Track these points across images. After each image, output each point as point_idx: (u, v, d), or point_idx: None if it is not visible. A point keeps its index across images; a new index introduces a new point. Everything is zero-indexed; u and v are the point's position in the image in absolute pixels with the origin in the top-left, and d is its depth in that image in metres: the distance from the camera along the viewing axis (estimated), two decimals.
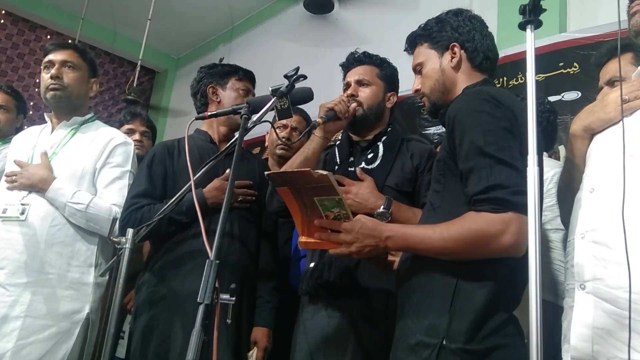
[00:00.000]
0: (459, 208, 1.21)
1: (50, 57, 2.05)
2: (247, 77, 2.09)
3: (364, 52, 1.88)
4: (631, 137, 1.12)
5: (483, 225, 1.13)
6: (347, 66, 1.89)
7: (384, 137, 1.79)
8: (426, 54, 1.49)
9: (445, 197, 1.30)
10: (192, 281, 1.69)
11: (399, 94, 1.92)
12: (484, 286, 1.16)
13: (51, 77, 2.00)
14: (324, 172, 1.23)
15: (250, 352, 1.87)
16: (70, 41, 5.37)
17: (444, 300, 1.18)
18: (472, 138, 1.20)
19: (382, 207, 1.58)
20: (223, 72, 2.07)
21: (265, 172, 1.36)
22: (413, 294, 1.27)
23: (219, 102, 2.02)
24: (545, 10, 1.01)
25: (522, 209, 1.08)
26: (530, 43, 0.97)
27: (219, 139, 2.03)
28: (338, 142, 1.90)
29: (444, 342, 1.14)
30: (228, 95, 2.02)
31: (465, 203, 1.20)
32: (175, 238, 1.83)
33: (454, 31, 1.45)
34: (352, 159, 1.80)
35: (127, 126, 2.74)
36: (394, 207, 1.59)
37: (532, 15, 1.01)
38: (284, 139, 2.37)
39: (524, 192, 1.02)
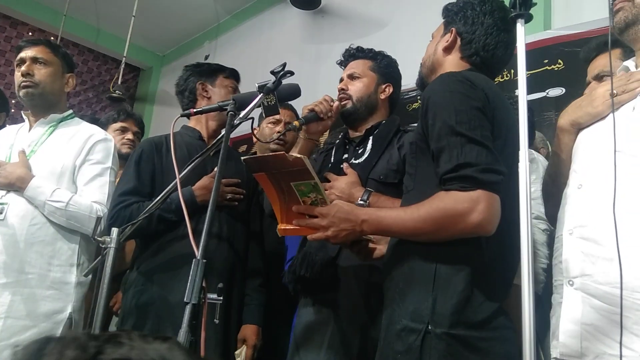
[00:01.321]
0: (432, 189, 1.20)
1: (22, 54, 2.02)
2: (233, 75, 2.11)
3: (357, 47, 1.87)
4: (619, 132, 1.13)
5: (451, 204, 1.13)
6: (343, 63, 1.89)
7: (376, 131, 1.77)
8: (439, 30, 1.52)
9: (418, 179, 1.30)
10: (182, 288, 1.67)
11: None
12: (462, 269, 1.16)
13: (22, 75, 1.97)
14: (299, 155, 1.23)
15: (239, 350, 1.86)
16: (52, 38, 5.29)
17: (425, 284, 1.18)
18: (444, 117, 1.19)
19: (360, 199, 1.58)
20: (211, 70, 2.08)
21: (242, 157, 1.35)
22: (398, 280, 1.27)
23: (209, 99, 2.01)
24: (535, 4, 1.00)
25: (491, 187, 1.08)
26: (520, 37, 0.97)
27: (208, 135, 2.01)
28: (337, 142, 1.90)
29: (429, 327, 1.13)
30: (218, 91, 2.03)
31: (437, 184, 1.20)
32: (164, 238, 1.81)
33: (462, 17, 1.45)
34: (345, 155, 1.80)
35: (120, 124, 2.72)
36: (372, 199, 1.58)
37: (522, 9, 1.01)
38: (279, 134, 2.35)
39: (493, 170, 1.02)
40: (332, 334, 1.55)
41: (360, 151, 1.76)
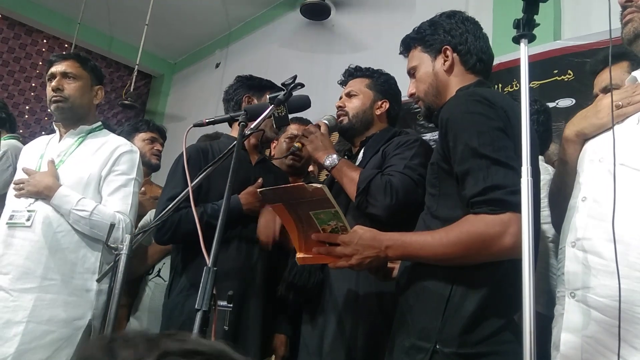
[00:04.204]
0: (456, 211, 1.20)
1: (52, 69, 2.08)
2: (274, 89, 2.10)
3: (356, 67, 1.96)
4: (623, 145, 1.13)
5: (482, 228, 1.12)
6: (343, 82, 1.97)
7: (368, 142, 1.83)
8: (419, 57, 1.50)
9: (442, 200, 1.29)
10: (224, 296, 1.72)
11: None
12: (478, 291, 1.16)
13: (53, 90, 2.04)
14: (318, 185, 1.22)
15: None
16: (66, 46, 5.36)
17: (438, 305, 1.18)
18: (466, 140, 1.19)
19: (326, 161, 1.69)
20: (260, 85, 2.11)
21: (258, 190, 1.38)
22: (410, 298, 1.27)
23: None
24: (538, 24, 1.02)
25: (518, 208, 1.06)
26: (524, 57, 0.99)
27: (249, 145, 2.05)
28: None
29: (437, 347, 1.14)
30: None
31: (462, 206, 1.19)
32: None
33: (446, 34, 1.45)
34: None
35: (150, 134, 2.78)
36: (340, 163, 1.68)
37: (525, 29, 1.02)
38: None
39: (519, 192, 0.99)
40: (323, 338, 1.59)
41: (353, 162, 1.82)
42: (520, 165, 0.99)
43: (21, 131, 2.30)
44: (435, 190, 1.32)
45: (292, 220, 1.33)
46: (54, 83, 2.05)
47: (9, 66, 5.61)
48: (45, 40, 5.80)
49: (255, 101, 2.07)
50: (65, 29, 5.60)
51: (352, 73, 1.94)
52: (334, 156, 1.70)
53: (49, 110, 2.11)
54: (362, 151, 1.82)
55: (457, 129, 1.22)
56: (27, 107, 5.61)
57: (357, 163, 1.78)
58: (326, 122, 1.84)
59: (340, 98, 1.92)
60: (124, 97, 5.06)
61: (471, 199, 1.15)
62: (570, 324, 1.11)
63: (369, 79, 1.91)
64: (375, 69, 1.95)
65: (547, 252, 1.80)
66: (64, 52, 2.25)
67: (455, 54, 1.43)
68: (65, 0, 5.36)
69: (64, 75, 2.07)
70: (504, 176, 1.13)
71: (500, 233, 1.09)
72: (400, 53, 1.74)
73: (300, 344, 1.71)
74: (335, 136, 2.78)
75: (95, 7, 5.31)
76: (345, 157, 1.88)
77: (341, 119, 1.87)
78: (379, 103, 1.88)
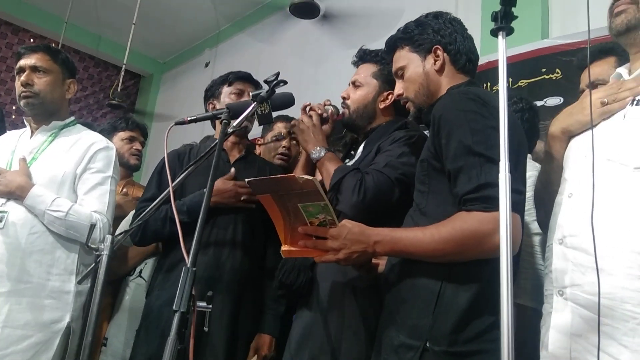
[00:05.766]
0: (447, 208, 1.19)
1: (21, 62, 2.00)
2: (238, 78, 2.08)
3: (367, 50, 1.88)
4: (609, 141, 1.13)
5: (475, 225, 1.12)
6: (355, 63, 1.90)
7: (370, 136, 1.79)
8: (408, 57, 1.48)
9: (431, 198, 1.28)
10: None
11: None
12: (469, 288, 1.15)
13: (22, 85, 1.96)
14: (309, 177, 1.20)
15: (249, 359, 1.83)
16: (53, 44, 5.31)
17: (428, 302, 1.17)
18: (459, 137, 1.18)
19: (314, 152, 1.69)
20: (216, 85, 2.10)
21: (246, 179, 1.34)
22: (398, 296, 1.26)
23: None
24: (517, 17, 1.01)
25: (513, 207, 1.05)
26: (501, 50, 0.98)
27: (228, 145, 2.04)
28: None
29: (427, 345, 1.13)
30: (222, 104, 2.02)
31: (452, 204, 1.19)
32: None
33: (435, 34, 1.44)
34: (347, 160, 1.82)
35: (129, 133, 2.73)
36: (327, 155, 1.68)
37: (503, 22, 1.01)
38: (284, 148, 2.44)
39: (514, 190, 1.00)
40: (311, 337, 1.55)
41: (353, 153, 1.81)
42: (514, 164, 0.98)
43: (8, 132, 2.25)
44: (425, 187, 1.31)
45: (279, 211, 1.31)
46: (23, 77, 1.96)
47: None
48: (32, 40, 5.73)
49: (217, 103, 2.06)
50: (52, 28, 5.54)
51: (363, 56, 1.87)
52: (321, 149, 1.68)
53: (19, 105, 2.02)
54: (362, 145, 1.78)
55: (450, 126, 1.22)
56: (14, 107, 5.54)
57: (356, 157, 1.75)
58: (322, 112, 1.80)
59: (349, 85, 1.87)
60: (111, 97, 5.00)
61: (464, 196, 1.15)
62: (559, 323, 1.10)
63: (378, 65, 1.83)
64: (384, 54, 1.85)
65: (533, 247, 1.80)
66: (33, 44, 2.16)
67: (445, 54, 1.42)
68: None
69: (34, 69, 1.98)
70: (497, 174, 1.12)
71: (493, 230, 1.08)
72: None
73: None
74: None
75: (82, 5, 5.26)
76: (352, 149, 1.86)
77: (343, 111, 1.83)
78: (385, 94, 1.80)
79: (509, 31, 1.01)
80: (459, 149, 1.18)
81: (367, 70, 1.83)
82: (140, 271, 2.27)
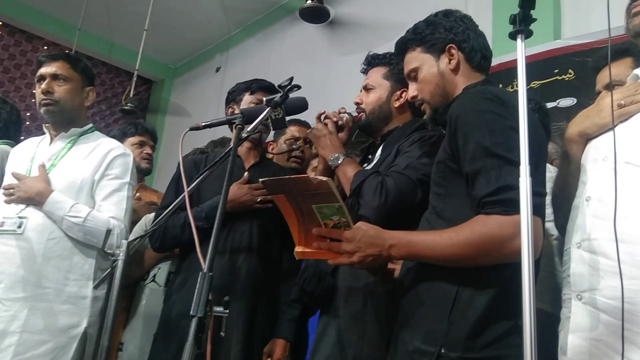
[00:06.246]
0: (464, 211, 1.16)
1: (42, 70, 2.02)
2: (260, 88, 2.09)
3: (374, 54, 1.88)
4: (627, 143, 1.11)
5: (495, 229, 1.08)
6: (364, 71, 1.89)
7: (388, 138, 1.77)
8: (421, 58, 1.44)
9: (448, 200, 1.25)
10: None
11: None
12: (486, 293, 1.12)
13: (42, 93, 1.99)
14: (324, 178, 1.18)
15: None
16: (67, 52, 5.36)
17: (443, 307, 1.14)
18: (478, 138, 1.15)
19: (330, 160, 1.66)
20: (238, 90, 2.12)
21: (260, 179, 1.34)
22: (413, 300, 1.24)
23: None
24: (535, 19, 0.99)
25: (535, 210, 1.01)
26: (520, 53, 0.96)
27: (243, 151, 2.06)
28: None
29: (443, 350, 1.11)
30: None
31: (470, 206, 1.16)
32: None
33: (448, 32, 1.41)
34: (365, 165, 1.80)
35: (139, 138, 2.76)
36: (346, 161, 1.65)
37: (522, 25, 1.00)
38: (298, 151, 2.44)
39: (535, 193, 0.97)
40: (333, 344, 1.54)
41: (370, 157, 1.79)
42: (535, 166, 0.95)
43: (22, 137, 2.28)
44: (442, 190, 1.28)
45: (294, 212, 1.29)
46: (43, 85, 1.99)
47: (9, 73, 5.62)
48: (45, 47, 5.80)
49: (236, 108, 2.07)
50: (65, 35, 5.61)
51: (371, 62, 1.86)
52: (339, 155, 1.65)
53: (38, 113, 2.05)
54: (380, 148, 1.75)
55: (468, 127, 1.18)
56: (28, 114, 5.60)
57: (375, 161, 1.72)
58: (337, 120, 1.77)
59: (361, 91, 1.86)
60: (123, 103, 5.04)
61: (483, 199, 1.12)
62: (577, 327, 1.09)
63: (387, 66, 1.82)
64: (392, 55, 1.83)
65: (551, 250, 1.78)
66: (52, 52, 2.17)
67: (460, 52, 1.39)
68: (65, 6, 5.37)
69: (54, 77, 2.00)
70: (517, 176, 1.08)
71: (514, 234, 1.03)
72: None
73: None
74: None
75: (95, 13, 5.31)
76: (370, 153, 1.84)
77: (359, 115, 1.81)
78: (398, 93, 1.78)
79: (528, 34, 1.00)
80: (477, 151, 1.14)
81: (377, 73, 1.82)
82: (154, 276, 2.28)
